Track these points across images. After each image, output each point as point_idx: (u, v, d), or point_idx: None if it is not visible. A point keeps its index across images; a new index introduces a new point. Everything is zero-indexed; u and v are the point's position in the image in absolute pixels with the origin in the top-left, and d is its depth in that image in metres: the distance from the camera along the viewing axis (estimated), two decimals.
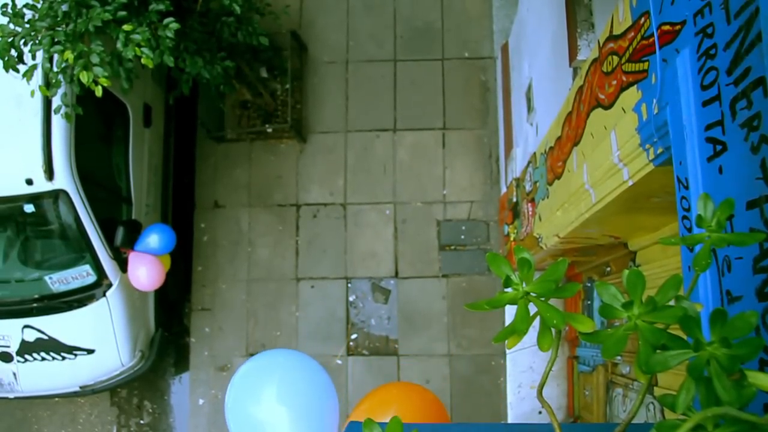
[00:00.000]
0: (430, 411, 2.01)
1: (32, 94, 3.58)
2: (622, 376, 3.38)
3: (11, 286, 4.65)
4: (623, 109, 2.01)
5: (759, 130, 1.18)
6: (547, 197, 3.30)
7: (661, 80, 1.65)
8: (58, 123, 3.99)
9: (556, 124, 3.06)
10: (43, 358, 4.76)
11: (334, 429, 1.86)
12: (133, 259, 4.40)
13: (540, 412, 4.58)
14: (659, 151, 1.75)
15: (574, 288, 0.94)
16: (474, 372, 5.23)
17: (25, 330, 4.68)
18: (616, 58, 2.09)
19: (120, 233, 4.40)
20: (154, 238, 4.40)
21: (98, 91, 3.37)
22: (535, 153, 3.72)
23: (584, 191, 2.53)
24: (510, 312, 3.18)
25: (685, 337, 0.83)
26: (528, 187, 3.94)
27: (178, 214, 5.69)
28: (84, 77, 3.27)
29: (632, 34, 1.93)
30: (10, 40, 3.33)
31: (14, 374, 4.84)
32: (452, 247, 5.41)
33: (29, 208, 4.20)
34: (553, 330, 0.93)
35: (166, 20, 3.47)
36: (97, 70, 3.29)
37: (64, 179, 4.07)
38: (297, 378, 1.87)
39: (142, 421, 5.72)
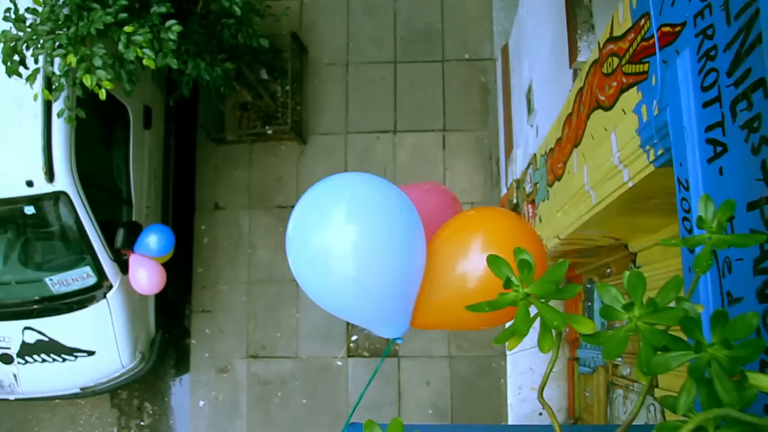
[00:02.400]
0: (525, 241, 1.52)
1: (35, 97, 3.59)
2: (623, 378, 3.38)
3: (12, 288, 4.65)
4: (623, 110, 2.01)
5: (759, 132, 1.18)
6: (548, 199, 3.30)
7: (661, 81, 1.65)
8: (58, 125, 4.00)
9: (557, 126, 3.06)
10: (44, 360, 4.76)
11: (418, 251, 1.50)
12: (134, 263, 4.40)
13: (540, 414, 4.58)
14: (660, 152, 1.75)
15: (574, 289, 0.94)
16: (474, 373, 5.23)
17: (26, 332, 4.68)
18: (616, 60, 2.09)
19: (120, 235, 4.40)
20: (153, 239, 4.40)
21: (102, 95, 3.38)
22: (535, 154, 3.72)
23: (584, 193, 2.53)
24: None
25: (685, 338, 0.83)
26: (528, 189, 3.94)
27: (179, 216, 5.69)
28: (87, 81, 3.28)
29: (632, 35, 1.93)
30: (12, 44, 3.34)
31: (15, 376, 4.84)
32: None
33: (30, 209, 4.21)
34: (553, 331, 0.93)
35: (169, 22, 3.47)
36: (100, 73, 3.30)
37: (65, 181, 4.07)
38: (370, 197, 1.48)
39: (142, 423, 5.72)
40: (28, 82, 3.41)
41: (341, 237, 1.41)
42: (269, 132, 5.44)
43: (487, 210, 1.78)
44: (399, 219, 1.48)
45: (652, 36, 1.71)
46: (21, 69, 3.46)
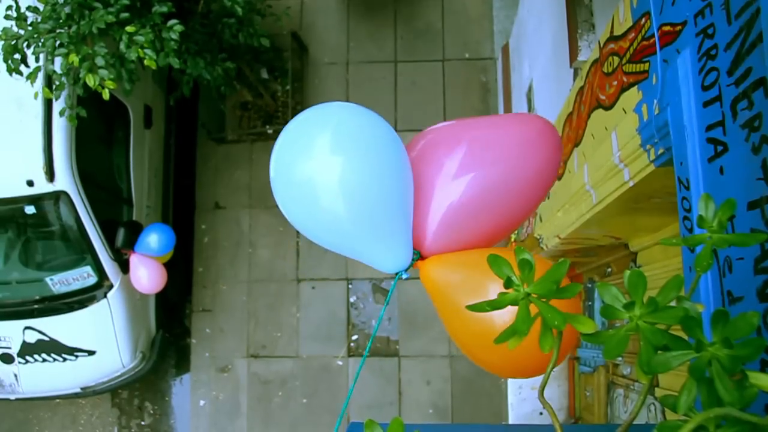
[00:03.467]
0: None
1: (36, 96, 3.59)
2: (624, 377, 3.38)
3: (12, 288, 4.65)
4: (624, 109, 2.01)
5: (760, 131, 1.18)
6: (548, 198, 3.30)
7: (661, 81, 1.65)
8: (58, 124, 4.00)
9: (557, 125, 3.06)
10: (44, 360, 4.76)
11: (403, 177, 1.44)
12: (135, 262, 4.40)
13: (541, 413, 4.58)
14: (660, 151, 1.75)
15: (575, 289, 0.94)
16: (475, 373, 5.23)
17: (26, 331, 4.68)
18: (616, 59, 2.09)
19: (121, 234, 4.41)
20: (154, 238, 4.40)
21: (105, 94, 3.38)
22: None
23: (585, 192, 2.53)
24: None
25: (686, 337, 0.83)
26: None
27: (179, 216, 5.69)
28: (90, 80, 3.28)
29: (633, 34, 1.93)
30: (13, 42, 3.34)
31: (15, 375, 4.84)
32: None
33: (30, 209, 4.21)
34: (554, 331, 0.93)
35: (170, 22, 3.47)
36: (103, 72, 3.29)
37: (65, 180, 4.07)
38: (355, 126, 1.40)
39: (143, 422, 5.72)
40: (29, 81, 3.41)
41: (326, 167, 1.33)
42: (270, 131, 5.44)
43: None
44: (386, 149, 1.42)
45: (653, 35, 1.71)
46: (22, 67, 3.46)
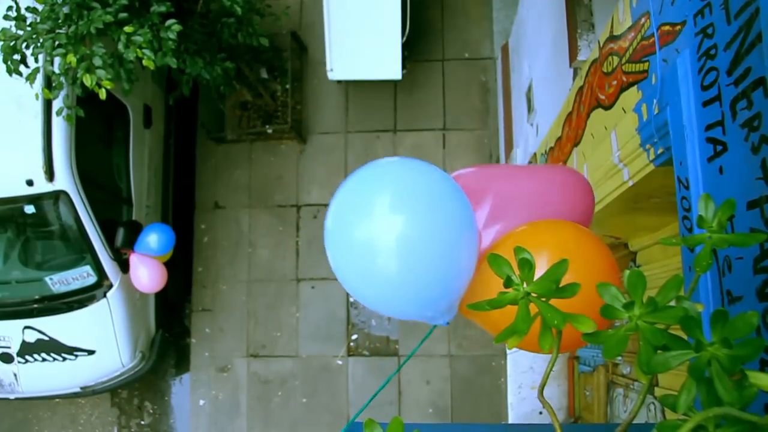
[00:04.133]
0: (599, 263, 1.28)
1: (36, 96, 3.59)
2: (623, 377, 3.38)
3: (12, 287, 4.65)
4: (623, 109, 2.01)
5: (759, 131, 1.18)
6: None
7: (661, 80, 1.65)
8: (58, 124, 4.00)
9: (557, 125, 3.06)
10: (44, 359, 4.76)
11: (470, 243, 1.32)
12: (135, 262, 4.40)
13: (541, 413, 4.58)
14: (660, 151, 1.75)
15: (574, 288, 0.94)
16: (474, 372, 5.23)
17: (26, 331, 4.68)
18: (616, 59, 2.09)
19: (120, 234, 4.40)
20: (154, 238, 4.40)
21: (102, 94, 3.38)
22: (535, 153, 3.72)
23: None
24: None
25: (686, 337, 0.83)
26: None
27: (179, 215, 5.69)
28: (87, 80, 3.28)
29: (632, 34, 1.93)
30: (12, 43, 3.34)
31: (15, 375, 4.84)
32: None
33: (30, 209, 4.21)
34: (553, 330, 0.93)
35: (168, 22, 3.47)
36: (100, 72, 3.29)
37: (65, 180, 4.07)
38: (417, 184, 1.30)
39: (142, 422, 5.72)
40: (28, 81, 3.41)
41: (385, 228, 1.25)
42: (269, 131, 5.44)
43: (554, 223, 1.51)
44: (449, 208, 1.31)
45: (652, 35, 1.71)
46: (21, 68, 3.46)
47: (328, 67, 4.67)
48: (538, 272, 0.92)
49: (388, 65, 4.67)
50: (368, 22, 4.58)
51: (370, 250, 1.26)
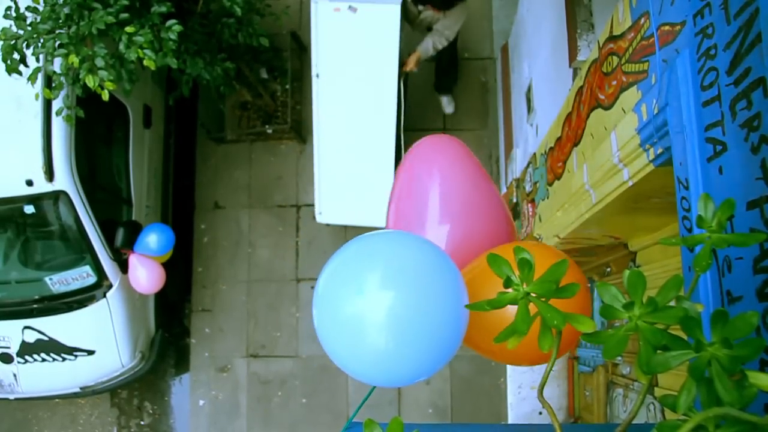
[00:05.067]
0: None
1: (36, 97, 3.59)
2: (623, 377, 3.38)
3: (11, 287, 4.65)
4: (623, 109, 2.01)
5: (759, 131, 1.18)
6: (547, 198, 3.30)
7: (660, 80, 1.65)
8: (58, 124, 4.00)
9: (556, 125, 3.06)
10: (44, 359, 4.76)
11: (459, 316, 1.34)
12: (134, 262, 4.40)
13: (540, 413, 4.58)
14: (659, 151, 1.75)
15: (574, 288, 0.94)
16: (474, 373, 5.23)
17: (26, 331, 4.68)
18: (616, 59, 2.09)
19: (120, 234, 4.40)
20: (153, 238, 4.40)
21: (104, 95, 3.38)
22: (535, 153, 3.72)
23: (584, 192, 2.53)
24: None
25: (685, 337, 0.83)
26: (528, 188, 3.94)
27: (179, 216, 5.69)
28: (90, 81, 3.27)
29: (632, 34, 1.93)
30: (12, 42, 3.34)
31: (15, 375, 4.84)
32: None
33: (29, 209, 4.21)
34: (553, 330, 0.93)
35: (169, 22, 3.47)
36: (102, 73, 3.29)
37: (65, 180, 4.07)
38: (407, 259, 1.34)
39: (142, 422, 5.72)
40: (29, 81, 3.41)
41: (376, 304, 1.27)
42: (269, 131, 5.44)
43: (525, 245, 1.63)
44: (440, 284, 1.33)
45: (652, 35, 1.71)
46: (21, 67, 3.45)
47: (316, 210, 4.50)
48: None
49: (377, 214, 4.32)
50: (360, 172, 4.39)
51: (360, 326, 1.27)
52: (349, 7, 3.68)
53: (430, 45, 4.15)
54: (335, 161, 4.40)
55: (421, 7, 4.04)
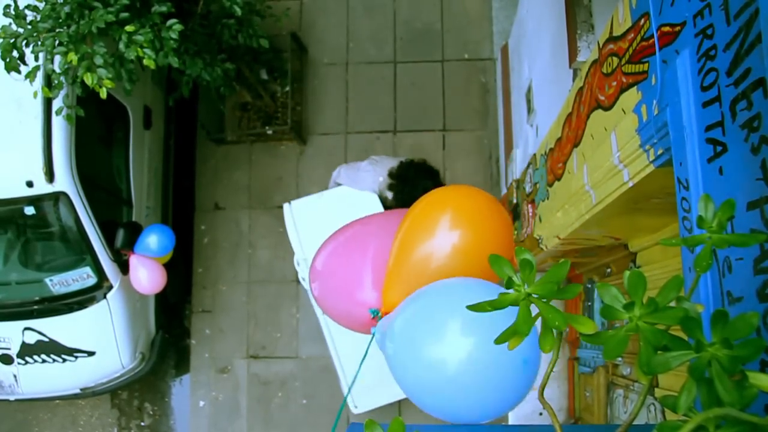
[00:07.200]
0: (490, 213, 1.66)
1: (35, 95, 3.58)
2: (623, 378, 3.38)
3: (12, 288, 4.65)
4: (623, 110, 2.01)
5: (759, 131, 1.18)
6: (548, 198, 3.30)
7: (661, 81, 1.65)
8: (58, 125, 4.00)
9: (556, 126, 3.06)
10: (44, 360, 4.76)
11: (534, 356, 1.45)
12: (135, 263, 4.40)
13: (541, 414, 4.58)
14: (659, 152, 1.75)
15: (575, 289, 0.94)
16: None
17: (26, 332, 4.68)
18: (615, 60, 2.09)
19: (120, 235, 4.40)
20: (153, 239, 4.40)
21: (103, 93, 3.37)
22: (535, 154, 3.72)
23: (584, 192, 2.53)
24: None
25: (686, 338, 0.83)
26: (528, 189, 3.94)
27: (179, 216, 5.69)
28: (88, 79, 3.27)
29: (632, 35, 1.93)
30: (11, 41, 3.33)
31: (15, 376, 4.84)
32: None
33: (30, 210, 4.20)
34: (554, 331, 0.93)
35: (170, 21, 3.47)
36: (101, 71, 3.29)
37: (65, 181, 4.07)
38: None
39: (142, 423, 5.72)
40: (28, 80, 3.40)
41: (457, 349, 1.39)
42: (269, 132, 5.44)
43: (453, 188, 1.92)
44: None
45: (652, 36, 1.71)
46: (20, 66, 3.45)
47: (351, 406, 4.31)
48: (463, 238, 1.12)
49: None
50: (375, 353, 4.30)
51: (441, 368, 1.40)
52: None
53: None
54: (354, 355, 4.38)
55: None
